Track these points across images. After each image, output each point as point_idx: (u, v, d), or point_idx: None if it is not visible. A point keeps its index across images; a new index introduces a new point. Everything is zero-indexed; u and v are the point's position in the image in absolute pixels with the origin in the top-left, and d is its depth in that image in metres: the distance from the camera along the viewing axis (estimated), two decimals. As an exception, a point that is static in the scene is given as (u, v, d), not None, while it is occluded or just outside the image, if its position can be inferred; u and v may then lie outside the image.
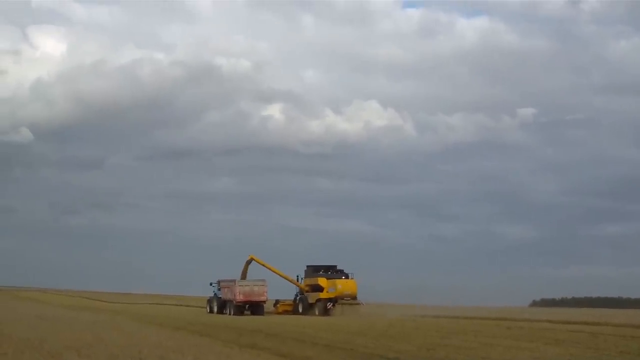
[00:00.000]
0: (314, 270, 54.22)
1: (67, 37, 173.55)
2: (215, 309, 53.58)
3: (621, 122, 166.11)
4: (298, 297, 54.15)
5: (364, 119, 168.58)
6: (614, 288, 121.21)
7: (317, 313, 51.00)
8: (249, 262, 54.90)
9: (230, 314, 50.71)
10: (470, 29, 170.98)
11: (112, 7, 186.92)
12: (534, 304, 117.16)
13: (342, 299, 51.97)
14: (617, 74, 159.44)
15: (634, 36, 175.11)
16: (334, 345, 23.46)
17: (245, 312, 51.03)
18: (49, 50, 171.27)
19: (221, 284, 54.13)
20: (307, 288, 53.73)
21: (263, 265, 54.95)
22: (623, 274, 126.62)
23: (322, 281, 52.82)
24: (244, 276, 54.34)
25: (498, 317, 44.29)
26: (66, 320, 36.41)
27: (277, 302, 55.84)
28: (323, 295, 52.16)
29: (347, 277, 53.38)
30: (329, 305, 51.38)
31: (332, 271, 53.98)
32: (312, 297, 52.74)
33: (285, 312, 53.58)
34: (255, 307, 51.30)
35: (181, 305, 65.04)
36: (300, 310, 52.82)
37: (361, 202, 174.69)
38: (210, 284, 55.46)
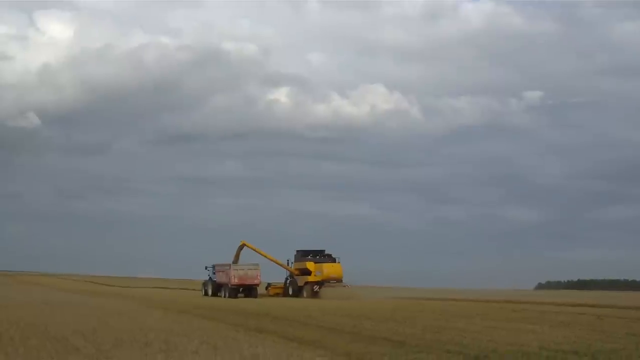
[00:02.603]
0: (303, 255, 52.45)
1: (73, 22, 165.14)
2: (210, 292, 51.37)
3: (627, 105, 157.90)
4: (288, 281, 52.27)
5: (370, 102, 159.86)
6: (619, 270, 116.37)
7: (305, 295, 49.25)
8: (241, 247, 53.03)
9: (225, 297, 48.55)
10: (475, 12, 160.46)
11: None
12: (540, 286, 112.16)
13: (329, 281, 50.27)
14: (622, 56, 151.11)
15: (639, 19, 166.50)
16: (339, 329, 21.32)
17: (239, 294, 48.71)
18: (56, 35, 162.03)
19: (216, 267, 52.06)
20: (296, 272, 51.91)
21: (254, 250, 52.86)
22: (628, 256, 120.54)
23: (310, 265, 51.11)
24: (236, 260, 52.12)
25: (503, 300, 41.98)
26: (72, 304, 34.07)
27: (268, 285, 53.94)
28: (311, 278, 50.48)
29: (334, 261, 51.62)
30: (316, 287, 49.57)
31: (320, 255, 52.25)
32: (301, 280, 50.98)
33: (276, 295, 51.91)
34: (249, 290, 49.09)
35: (186, 289, 62.11)
36: (290, 292, 51.15)
37: (367, 186, 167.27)
38: (206, 268, 53.36)
